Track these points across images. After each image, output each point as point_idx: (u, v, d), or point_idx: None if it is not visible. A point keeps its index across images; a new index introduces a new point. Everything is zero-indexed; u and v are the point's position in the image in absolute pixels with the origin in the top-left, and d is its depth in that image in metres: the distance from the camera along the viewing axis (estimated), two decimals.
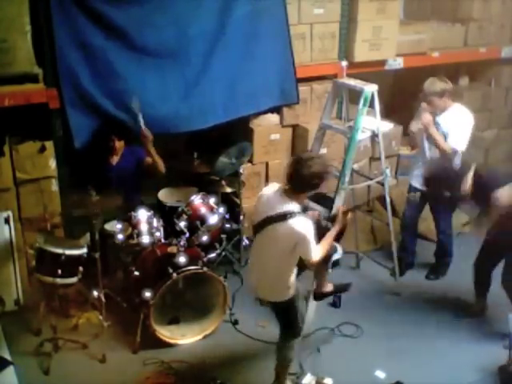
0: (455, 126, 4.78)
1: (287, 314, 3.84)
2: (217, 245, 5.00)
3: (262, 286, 3.80)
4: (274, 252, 3.63)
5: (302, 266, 3.76)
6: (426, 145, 4.96)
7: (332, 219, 3.90)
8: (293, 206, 3.55)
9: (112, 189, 4.86)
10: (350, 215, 3.84)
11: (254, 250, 3.85)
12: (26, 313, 4.74)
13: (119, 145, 4.95)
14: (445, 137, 4.80)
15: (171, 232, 4.72)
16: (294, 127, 5.87)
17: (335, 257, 5.39)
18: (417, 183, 5.11)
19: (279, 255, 3.61)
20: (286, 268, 3.68)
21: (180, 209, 4.78)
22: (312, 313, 4.56)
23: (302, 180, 3.51)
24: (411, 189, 5.20)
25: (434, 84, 4.77)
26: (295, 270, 3.74)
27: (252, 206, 5.57)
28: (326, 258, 3.85)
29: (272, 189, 3.70)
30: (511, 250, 4.38)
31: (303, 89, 5.72)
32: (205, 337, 4.52)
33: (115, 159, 5.02)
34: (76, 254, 4.32)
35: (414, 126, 4.98)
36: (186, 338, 4.49)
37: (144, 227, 4.61)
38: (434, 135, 4.79)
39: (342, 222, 3.82)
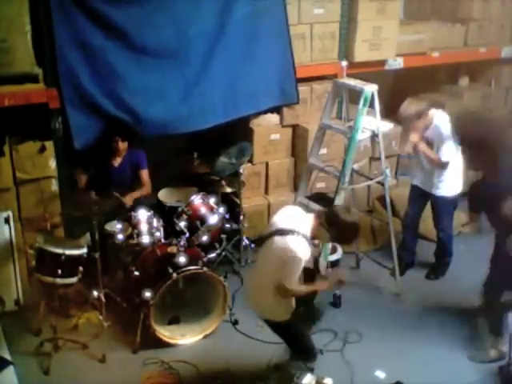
0: (440, 138, 4.79)
1: (288, 336, 3.80)
2: (217, 245, 5.00)
3: (255, 301, 3.79)
4: (267, 267, 3.59)
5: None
6: (421, 157, 5.00)
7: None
8: (303, 229, 3.51)
9: (112, 189, 4.89)
10: (342, 285, 3.76)
11: (256, 263, 3.85)
12: (26, 313, 4.74)
13: (123, 146, 4.96)
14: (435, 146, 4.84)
15: (171, 232, 4.72)
16: (294, 127, 5.87)
17: (335, 257, 5.42)
18: (418, 182, 5.13)
19: (271, 271, 3.53)
20: (275, 285, 3.56)
21: (180, 209, 4.78)
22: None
23: (336, 229, 3.52)
24: (413, 188, 5.21)
25: (408, 108, 4.74)
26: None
27: (252, 206, 5.65)
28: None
29: (303, 213, 3.68)
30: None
31: (303, 89, 5.72)
32: (205, 337, 4.52)
33: (118, 160, 5.02)
34: (76, 254, 4.32)
35: (403, 149, 4.97)
36: (185, 337, 4.49)
37: (144, 227, 4.61)
38: (424, 152, 4.85)
39: (331, 284, 3.75)
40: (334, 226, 3.52)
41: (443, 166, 4.83)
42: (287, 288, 3.45)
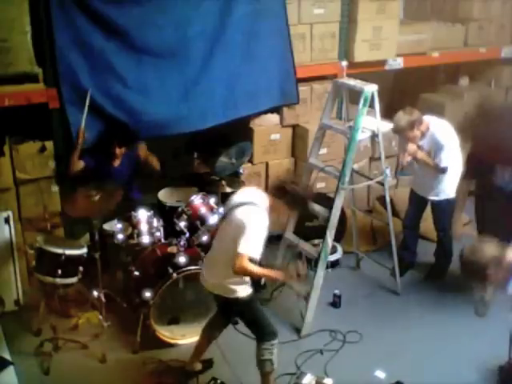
0: (437, 145, 4.80)
1: (244, 315, 3.79)
2: None
3: (210, 278, 3.73)
4: (226, 238, 3.58)
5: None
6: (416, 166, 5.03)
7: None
8: (259, 198, 3.58)
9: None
10: (299, 279, 3.73)
11: (213, 245, 3.83)
12: (26, 313, 4.74)
13: (119, 151, 4.95)
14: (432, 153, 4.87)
15: (171, 232, 4.72)
16: (294, 127, 5.87)
17: (335, 257, 5.43)
18: (416, 188, 5.17)
19: (229, 242, 3.53)
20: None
21: (180, 209, 4.78)
22: (311, 313, 4.58)
23: (281, 187, 3.60)
24: (412, 191, 5.22)
25: (399, 120, 4.74)
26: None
27: None
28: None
29: (260, 191, 3.76)
30: None
31: (303, 89, 5.72)
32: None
33: (117, 162, 5.02)
34: (76, 254, 4.32)
35: (404, 159, 4.97)
36: (185, 338, 4.49)
37: (144, 227, 4.61)
38: (423, 160, 4.86)
39: (287, 276, 3.71)
40: (283, 197, 3.59)
41: (443, 171, 4.84)
42: (241, 258, 3.41)
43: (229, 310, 3.92)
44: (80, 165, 4.83)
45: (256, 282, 3.67)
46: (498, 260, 3.34)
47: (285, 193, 3.58)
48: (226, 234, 3.63)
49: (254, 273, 3.51)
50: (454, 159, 4.85)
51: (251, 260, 3.43)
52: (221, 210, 4.86)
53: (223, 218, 3.73)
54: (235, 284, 3.62)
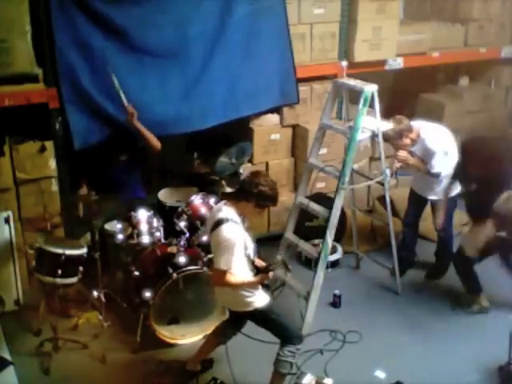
0: (427, 151, 4.80)
1: (266, 324, 3.77)
2: None
3: (220, 295, 3.79)
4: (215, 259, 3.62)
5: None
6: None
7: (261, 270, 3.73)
8: (227, 213, 3.58)
9: (112, 189, 4.89)
10: (270, 274, 3.71)
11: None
12: (26, 313, 4.74)
13: (117, 157, 4.94)
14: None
15: (171, 232, 4.72)
16: (294, 127, 5.87)
17: (335, 257, 5.42)
18: (415, 188, 5.17)
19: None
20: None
21: (180, 209, 4.78)
22: (312, 313, 4.57)
23: (245, 189, 3.62)
24: (412, 191, 5.23)
25: (388, 130, 4.75)
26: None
27: None
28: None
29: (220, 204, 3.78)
30: None
31: (303, 89, 5.72)
32: (205, 337, 4.52)
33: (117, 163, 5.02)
34: (76, 254, 4.32)
35: (393, 165, 4.99)
36: (185, 337, 4.49)
37: (144, 227, 4.61)
38: (414, 165, 4.90)
39: (262, 278, 3.68)
40: (251, 200, 3.60)
41: (435, 176, 4.85)
42: (218, 272, 3.51)
43: (243, 321, 3.93)
44: (85, 189, 4.80)
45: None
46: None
47: (252, 195, 3.58)
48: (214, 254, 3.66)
49: (233, 284, 3.56)
50: (449, 163, 4.83)
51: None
52: None
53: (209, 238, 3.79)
54: (249, 295, 3.63)
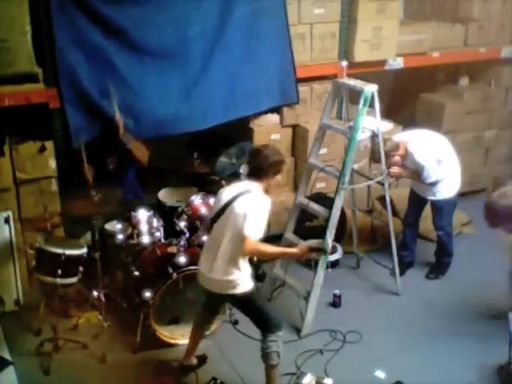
0: (416, 165, 4.85)
1: (250, 308, 3.77)
2: None
3: (211, 275, 3.69)
4: (228, 234, 3.59)
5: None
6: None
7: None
8: (252, 186, 3.62)
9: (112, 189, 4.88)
10: (314, 255, 3.77)
11: (208, 242, 3.82)
12: (26, 313, 4.74)
13: (112, 159, 4.95)
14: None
15: (171, 232, 4.72)
16: (294, 127, 5.87)
17: (335, 257, 5.42)
18: (415, 188, 5.18)
19: (232, 235, 3.56)
20: (238, 252, 3.56)
21: (180, 209, 4.78)
22: (312, 313, 4.57)
23: (260, 167, 3.66)
24: (412, 191, 5.23)
25: (373, 153, 4.87)
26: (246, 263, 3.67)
27: None
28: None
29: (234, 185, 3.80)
30: None
31: (303, 89, 5.72)
32: (205, 337, 4.52)
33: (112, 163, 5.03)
34: (76, 254, 4.32)
35: (388, 179, 4.98)
36: (185, 337, 4.47)
37: (144, 227, 4.61)
38: (409, 178, 5.03)
39: (303, 252, 3.72)
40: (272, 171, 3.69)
41: (433, 184, 4.91)
42: (249, 241, 3.47)
43: (220, 306, 4.00)
44: (91, 171, 4.84)
45: (255, 271, 3.69)
46: None
47: (268, 169, 3.66)
48: (226, 227, 3.62)
49: (267, 252, 3.58)
50: (444, 168, 4.87)
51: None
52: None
53: (218, 214, 3.71)
54: (239, 278, 3.63)
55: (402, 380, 4.08)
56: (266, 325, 3.76)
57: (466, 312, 4.86)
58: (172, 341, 4.44)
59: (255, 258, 3.82)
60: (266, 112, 5.69)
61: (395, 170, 4.88)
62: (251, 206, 3.55)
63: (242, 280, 3.65)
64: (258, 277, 3.84)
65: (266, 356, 3.76)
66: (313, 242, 3.84)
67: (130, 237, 4.60)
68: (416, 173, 4.91)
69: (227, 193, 3.73)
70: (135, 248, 4.59)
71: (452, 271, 5.36)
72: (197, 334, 4.14)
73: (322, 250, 3.96)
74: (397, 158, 4.84)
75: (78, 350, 4.38)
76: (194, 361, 4.18)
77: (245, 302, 3.75)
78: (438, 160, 4.83)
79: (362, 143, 5.33)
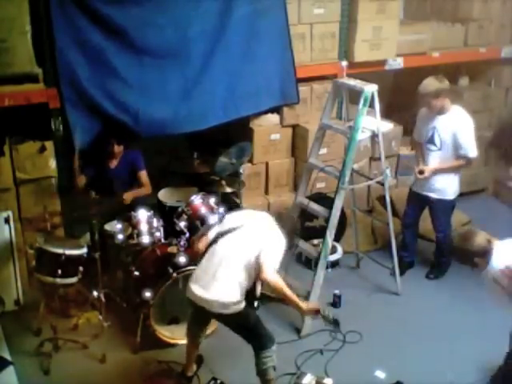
0: (460, 133, 4.79)
1: (243, 327, 3.70)
2: None
3: (207, 294, 3.59)
4: (242, 259, 3.53)
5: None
6: (429, 156, 5.00)
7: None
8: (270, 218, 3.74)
9: (112, 190, 4.89)
10: (316, 315, 3.70)
11: (210, 260, 3.67)
12: (26, 313, 4.74)
13: (118, 149, 4.95)
14: (441, 143, 4.86)
15: (171, 232, 4.72)
16: (294, 127, 5.87)
17: (335, 257, 5.42)
18: (416, 188, 5.17)
19: (248, 262, 3.51)
20: (250, 279, 3.56)
21: (180, 209, 4.77)
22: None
23: None
24: (411, 191, 5.23)
25: (428, 84, 4.77)
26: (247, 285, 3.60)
27: (252, 206, 5.64)
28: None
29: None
30: None
31: (303, 89, 5.72)
32: (205, 337, 4.52)
33: (114, 163, 5.02)
34: (76, 254, 4.32)
35: (418, 176, 4.97)
36: (185, 338, 4.48)
37: (144, 227, 4.60)
38: (447, 169, 4.91)
39: (307, 310, 3.66)
40: None
41: (470, 162, 4.89)
42: (274, 275, 3.45)
43: (210, 319, 3.97)
44: (83, 180, 4.86)
45: (251, 295, 3.65)
46: (485, 250, 3.54)
47: None
48: (240, 251, 3.56)
49: (283, 290, 3.49)
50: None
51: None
52: (221, 209, 4.84)
53: (225, 232, 3.67)
54: (237, 300, 3.56)
55: (402, 380, 4.08)
56: (259, 343, 3.68)
57: (466, 312, 4.86)
58: (172, 341, 4.44)
59: (259, 290, 3.76)
60: (266, 112, 5.70)
61: (428, 170, 4.87)
62: (273, 236, 3.58)
63: (238, 303, 3.59)
64: (253, 299, 3.83)
65: (262, 373, 3.68)
66: (324, 309, 3.78)
67: (130, 237, 4.59)
68: (450, 162, 4.86)
69: (244, 215, 3.79)
70: (135, 248, 4.59)
71: (452, 271, 5.35)
72: (192, 344, 4.08)
73: (328, 321, 3.82)
74: (438, 104, 4.76)
75: (78, 350, 4.38)
76: (195, 367, 4.16)
77: (240, 321, 3.68)
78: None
79: (362, 143, 5.35)
